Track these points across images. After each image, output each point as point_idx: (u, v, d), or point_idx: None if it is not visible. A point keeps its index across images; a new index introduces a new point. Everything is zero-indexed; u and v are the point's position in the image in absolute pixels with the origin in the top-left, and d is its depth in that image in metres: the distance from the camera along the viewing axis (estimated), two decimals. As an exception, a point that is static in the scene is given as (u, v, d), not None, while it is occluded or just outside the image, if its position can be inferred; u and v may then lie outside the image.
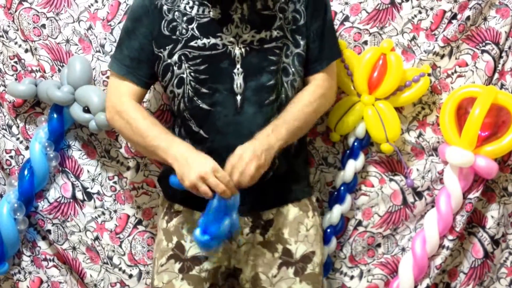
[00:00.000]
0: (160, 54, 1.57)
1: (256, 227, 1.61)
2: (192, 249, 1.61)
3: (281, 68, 1.56)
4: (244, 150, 1.44)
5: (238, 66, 1.53)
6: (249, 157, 1.43)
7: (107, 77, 1.72)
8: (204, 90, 1.54)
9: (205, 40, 1.54)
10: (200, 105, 1.55)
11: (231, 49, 1.53)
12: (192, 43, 1.54)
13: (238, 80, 1.53)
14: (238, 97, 1.53)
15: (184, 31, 1.55)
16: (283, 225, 1.61)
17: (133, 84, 1.61)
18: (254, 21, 1.54)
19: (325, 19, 1.62)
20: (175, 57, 1.55)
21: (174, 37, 1.55)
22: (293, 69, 1.58)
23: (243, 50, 1.53)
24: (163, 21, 1.56)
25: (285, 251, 1.61)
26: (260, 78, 1.54)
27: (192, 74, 1.54)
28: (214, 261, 1.60)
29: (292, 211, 1.63)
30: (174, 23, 1.56)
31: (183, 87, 1.56)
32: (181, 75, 1.56)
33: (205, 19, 1.55)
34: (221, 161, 1.45)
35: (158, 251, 1.67)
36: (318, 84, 1.62)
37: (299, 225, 1.62)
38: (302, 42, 1.58)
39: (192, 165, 1.43)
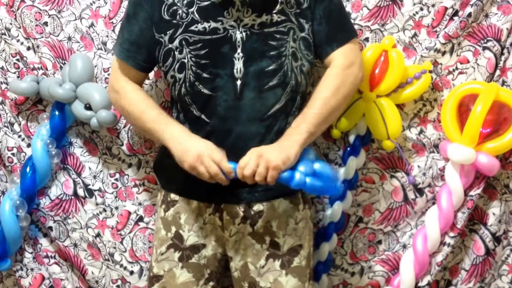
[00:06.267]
0: (161, 39, 1.55)
1: (247, 218, 1.61)
2: (190, 238, 1.63)
3: (290, 53, 1.54)
4: (262, 152, 1.43)
5: (239, 50, 1.52)
6: (267, 161, 1.41)
7: (109, 74, 1.73)
8: (205, 75, 1.53)
9: (205, 24, 1.52)
10: (201, 90, 1.54)
11: (232, 33, 1.52)
12: (192, 28, 1.53)
13: (238, 65, 1.52)
14: (238, 82, 1.52)
15: (184, 15, 1.53)
16: (272, 218, 1.61)
17: (132, 68, 1.61)
18: (255, 5, 1.52)
19: (331, 0, 1.59)
20: (176, 42, 1.54)
21: (174, 21, 1.54)
22: (300, 54, 1.56)
23: (244, 34, 1.52)
24: (163, 5, 1.55)
25: (272, 243, 1.61)
26: (260, 63, 1.52)
27: (193, 59, 1.53)
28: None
29: (282, 203, 1.62)
30: (174, 7, 1.54)
31: (184, 72, 1.55)
32: (182, 60, 1.54)
33: (206, 3, 1.53)
34: (221, 145, 1.47)
35: (157, 239, 1.69)
36: (337, 64, 1.58)
37: (288, 218, 1.62)
38: (306, 26, 1.56)
39: (188, 147, 1.45)
